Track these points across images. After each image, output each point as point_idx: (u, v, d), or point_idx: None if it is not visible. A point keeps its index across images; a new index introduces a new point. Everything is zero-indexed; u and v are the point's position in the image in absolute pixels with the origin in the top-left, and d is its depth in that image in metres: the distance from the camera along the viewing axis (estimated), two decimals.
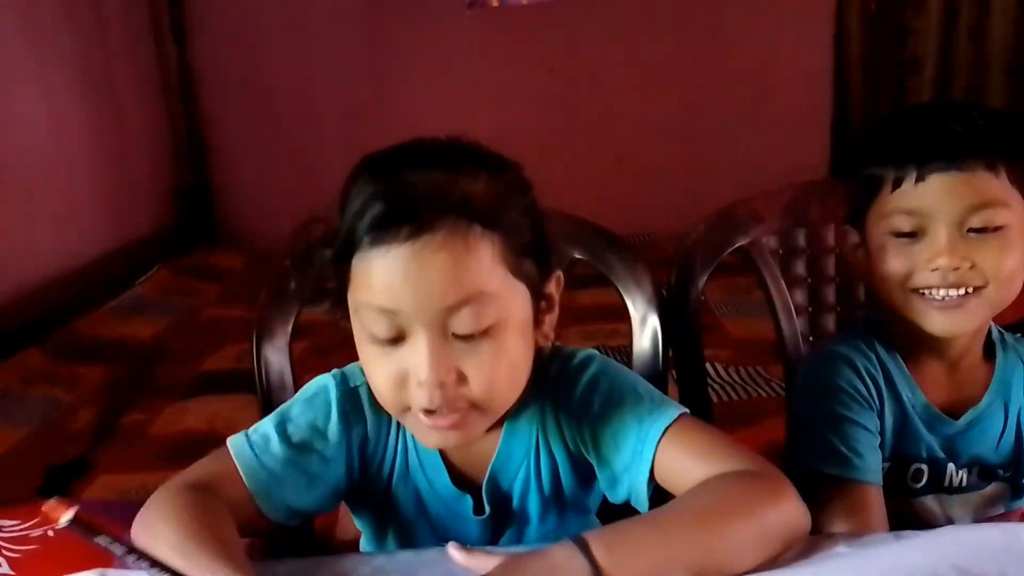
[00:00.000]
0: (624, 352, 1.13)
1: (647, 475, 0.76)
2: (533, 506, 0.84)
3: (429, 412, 0.71)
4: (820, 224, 1.18)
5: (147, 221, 3.38)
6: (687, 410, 0.79)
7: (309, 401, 0.83)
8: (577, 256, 1.13)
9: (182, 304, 2.98)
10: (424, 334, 0.69)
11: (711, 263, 1.14)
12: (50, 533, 1.14)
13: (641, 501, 0.78)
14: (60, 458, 1.90)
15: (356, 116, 3.66)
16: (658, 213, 3.31)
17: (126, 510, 1.34)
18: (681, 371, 1.16)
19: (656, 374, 1.09)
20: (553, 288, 0.78)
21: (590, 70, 3.65)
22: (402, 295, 0.68)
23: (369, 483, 0.84)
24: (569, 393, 0.81)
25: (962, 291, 0.87)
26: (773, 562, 0.69)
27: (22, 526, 1.17)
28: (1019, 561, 0.66)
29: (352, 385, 0.83)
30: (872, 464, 0.90)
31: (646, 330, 1.11)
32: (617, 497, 0.81)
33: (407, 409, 0.73)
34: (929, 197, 0.86)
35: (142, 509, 0.73)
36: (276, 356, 1.11)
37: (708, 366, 1.37)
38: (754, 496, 0.70)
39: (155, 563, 0.68)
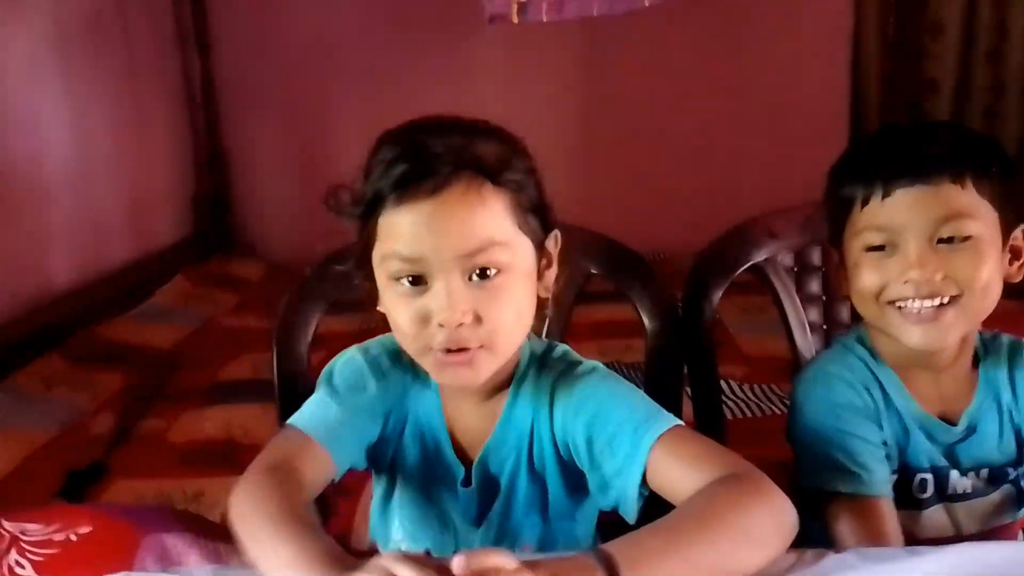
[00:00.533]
0: (638, 368, 1.14)
1: (638, 480, 0.79)
2: (521, 488, 0.90)
3: (447, 351, 0.79)
4: None
5: (168, 230, 3.42)
6: (681, 422, 0.82)
7: (343, 369, 0.91)
8: (593, 271, 1.14)
9: (201, 312, 3.01)
10: (444, 279, 0.78)
11: (726, 279, 1.16)
12: (72, 537, 1.16)
13: (629, 507, 0.81)
14: (79, 463, 1.92)
15: (376, 130, 3.66)
16: (675, 230, 3.31)
17: (143, 514, 1.36)
18: (695, 387, 1.17)
19: (670, 390, 1.10)
20: (551, 245, 0.86)
21: (608, 87, 3.67)
22: (426, 244, 0.77)
23: (386, 441, 0.91)
24: (568, 394, 0.87)
25: (936, 302, 0.89)
26: (779, 570, 0.69)
27: (45, 530, 1.19)
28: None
29: (373, 354, 0.92)
30: (880, 477, 0.91)
31: (661, 346, 1.12)
32: (607, 502, 0.85)
33: (427, 349, 0.80)
34: (897, 212, 0.89)
35: (232, 501, 0.77)
36: (295, 365, 1.13)
37: (722, 383, 1.38)
38: (742, 497, 0.73)
39: None
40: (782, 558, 0.72)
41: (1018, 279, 0.94)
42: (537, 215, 0.84)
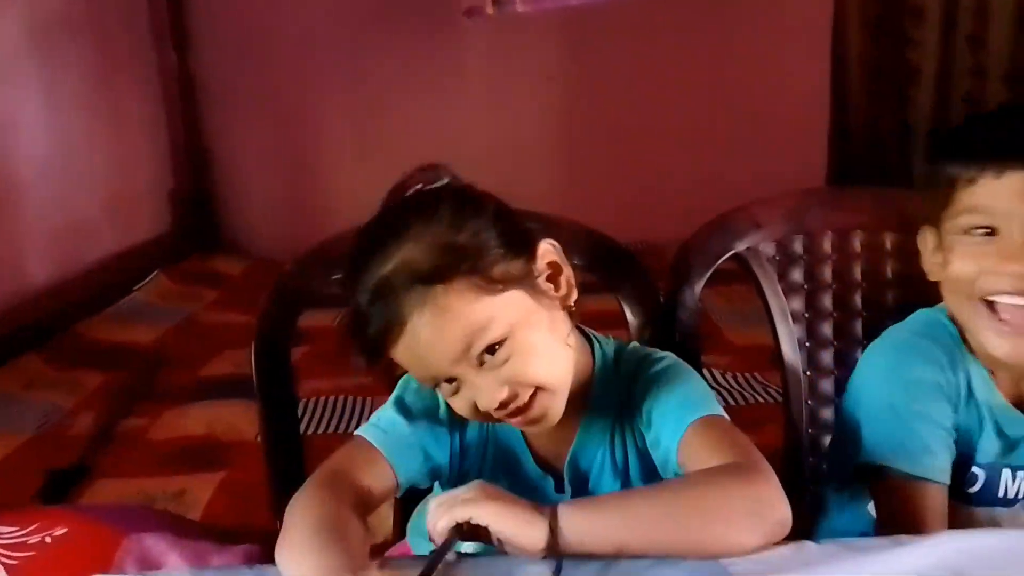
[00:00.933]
0: None
1: (675, 453, 0.82)
2: (607, 488, 0.90)
3: (508, 416, 0.81)
4: (818, 231, 1.18)
5: (147, 227, 3.39)
6: (727, 416, 0.84)
7: (418, 389, 0.90)
8: (575, 263, 1.13)
9: (182, 310, 2.98)
10: (463, 375, 0.80)
11: (709, 269, 1.15)
12: (48, 539, 1.15)
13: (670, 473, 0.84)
14: (60, 463, 1.90)
15: (357, 124, 3.66)
16: (658, 220, 3.31)
17: (123, 514, 1.35)
18: None
19: None
20: (546, 257, 0.84)
21: (589, 78, 3.66)
22: (426, 368, 0.81)
23: (456, 458, 0.91)
24: (641, 379, 0.89)
25: None
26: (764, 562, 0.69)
27: (19, 532, 1.17)
28: (1015, 567, 0.67)
29: None
30: (942, 463, 0.87)
31: (645, 337, 1.11)
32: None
33: (492, 419, 0.83)
34: (1006, 196, 0.82)
35: (288, 508, 0.77)
36: (276, 363, 1.11)
37: (706, 372, 1.37)
38: (728, 481, 0.75)
39: None
40: (765, 550, 0.71)
41: None
42: (510, 253, 0.81)
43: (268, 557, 0.93)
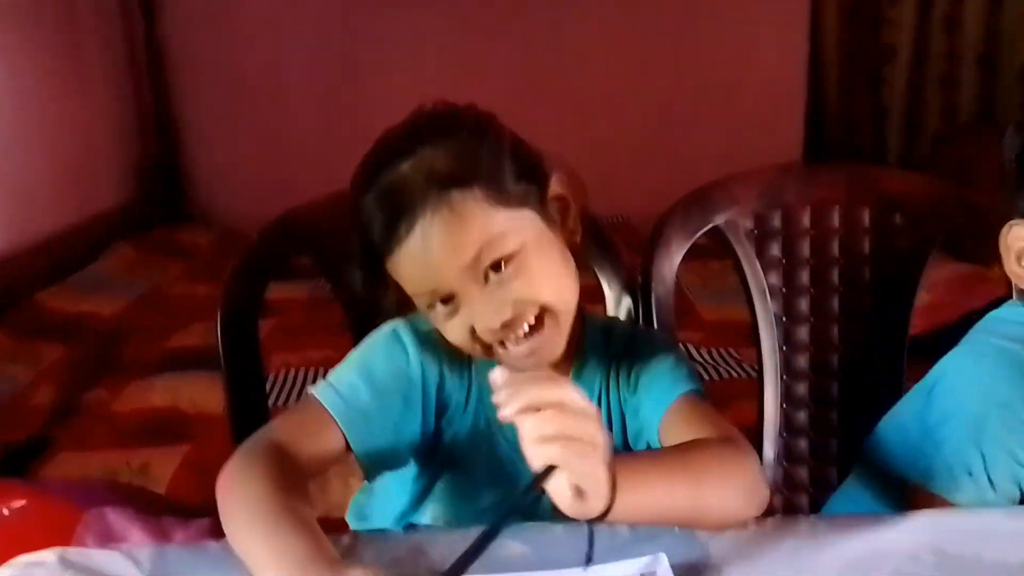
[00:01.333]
0: None
1: (657, 422, 0.81)
2: None
3: (508, 342, 0.78)
4: (796, 206, 1.18)
5: (111, 196, 3.31)
6: (702, 389, 0.84)
7: (387, 346, 0.85)
8: None
9: (146, 281, 2.92)
10: (465, 296, 0.77)
11: (687, 242, 1.14)
12: (5, 511, 1.11)
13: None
14: (18, 437, 1.85)
15: (328, 94, 3.60)
16: (632, 196, 3.30)
17: (86, 490, 1.31)
18: None
19: None
20: (558, 188, 0.83)
21: (564, 53, 3.62)
22: (429, 277, 0.77)
23: (438, 427, 0.85)
24: (633, 350, 0.88)
25: None
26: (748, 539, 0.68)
27: None
28: (994, 545, 0.66)
29: (426, 330, 0.85)
30: (1006, 498, 0.78)
31: (621, 310, 1.10)
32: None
33: (489, 349, 0.79)
34: None
35: (220, 482, 0.71)
36: (242, 335, 1.08)
37: (682, 347, 1.37)
38: (725, 452, 0.75)
39: None
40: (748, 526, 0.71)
41: None
42: (524, 177, 0.80)
43: None
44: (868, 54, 3.51)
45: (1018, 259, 0.83)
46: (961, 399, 0.82)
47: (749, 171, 1.20)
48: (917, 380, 0.93)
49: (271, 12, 3.54)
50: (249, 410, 1.07)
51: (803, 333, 1.18)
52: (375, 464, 0.81)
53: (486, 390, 0.80)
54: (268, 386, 1.47)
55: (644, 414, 0.84)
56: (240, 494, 0.70)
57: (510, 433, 0.79)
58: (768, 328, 1.16)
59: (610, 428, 0.87)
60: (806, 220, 1.18)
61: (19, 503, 1.13)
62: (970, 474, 0.78)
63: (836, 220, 1.17)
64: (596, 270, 1.10)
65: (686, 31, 3.61)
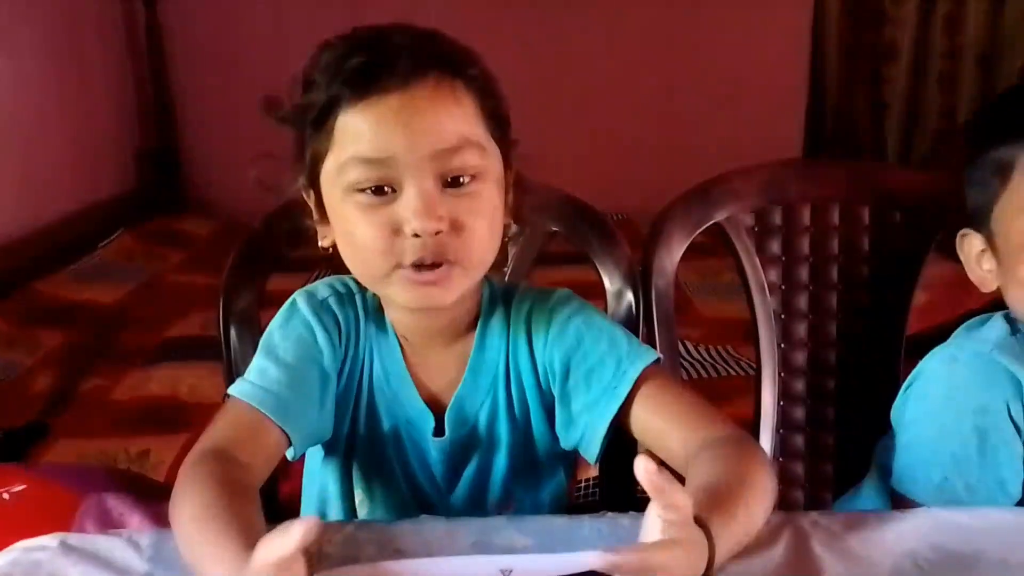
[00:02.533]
0: None
1: (614, 414, 0.76)
2: (503, 434, 0.83)
3: (418, 268, 0.71)
4: (796, 203, 1.18)
5: (111, 184, 3.30)
6: (661, 356, 0.80)
7: (286, 323, 0.82)
8: (553, 229, 1.12)
9: (146, 269, 2.92)
10: (416, 183, 0.70)
11: (687, 238, 1.14)
12: (5, 495, 1.12)
13: (594, 445, 0.78)
14: (17, 422, 1.86)
15: None
16: (633, 192, 3.30)
17: (85, 475, 1.31)
18: (654, 347, 1.16)
19: None
20: (513, 171, 0.80)
21: (564, 48, 3.62)
22: (397, 143, 0.69)
23: (344, 399, 0.83)
24: (548, 320, 0.82)
25: None
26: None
27: None
28: (993, 542, 0.67)
29: (320, 298, 0.83)
30: (975, 503, 0.77)
31: (621, 306, 1.10)
32: (569, 441, 0.81)
33: (395, 267, 0.72)
34: None
35: (173, 492, 0.69)
36: (243, 324, 1.09)
37: (679, 344, 1.37)
38: (754, 462, 0.69)
39: None
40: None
41: None
42: (500, 127, 0.77)
43: None
44: (869, 52, 3.50)
45: (979, 264, 0.82)
46: (931, 404, 0.82)
47: (750, 167, 1.21)
48: None
49: None
50: None
51: (801, 330, 1.18)
52: (306, 439, 0.79)
53: (381, 358, 0.82)
54: None
55: (587, 400, 0.78)
56: (179, 503, 0.66)
57: (397, 384, 0.81)
58: (767, 324, 1.17)
59: (527, 415, 0.83)
60: (806, 216, 1.18)
61: (19, 487, 1.14)
62: (935, 477, 0.79)
63: (836, 217, 1.18)
64: (597, 264, 1.10)
65: (688, 28, 3.60)
